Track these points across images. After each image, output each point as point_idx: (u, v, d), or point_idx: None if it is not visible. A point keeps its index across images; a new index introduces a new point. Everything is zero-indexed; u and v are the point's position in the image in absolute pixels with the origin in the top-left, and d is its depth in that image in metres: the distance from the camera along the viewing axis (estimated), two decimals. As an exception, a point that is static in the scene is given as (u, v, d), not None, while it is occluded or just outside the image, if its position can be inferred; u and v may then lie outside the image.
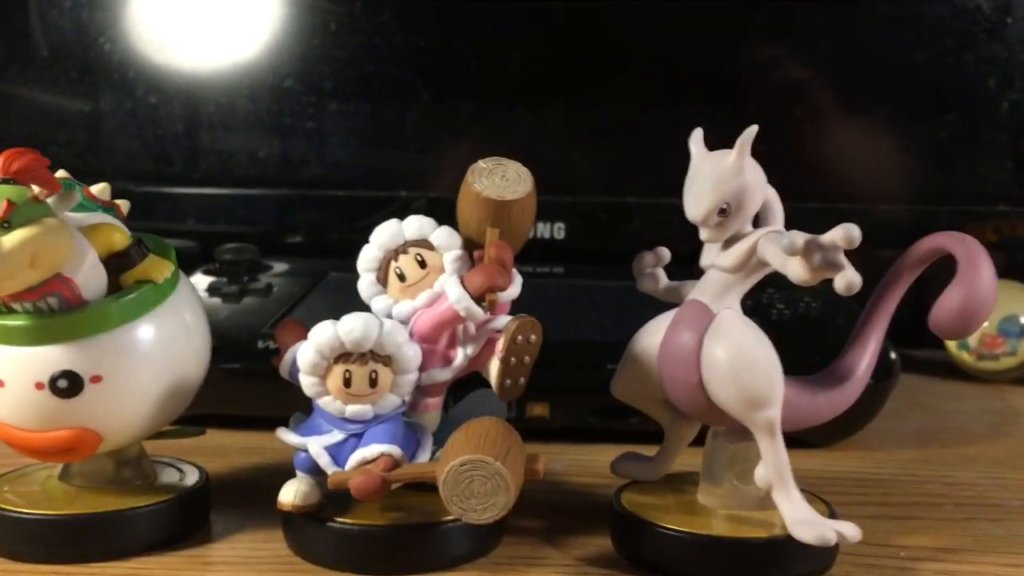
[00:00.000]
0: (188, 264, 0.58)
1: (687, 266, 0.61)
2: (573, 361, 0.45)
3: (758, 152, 0.33)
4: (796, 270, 0.28)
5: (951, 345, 0.63)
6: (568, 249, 0.65)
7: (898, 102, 0.65)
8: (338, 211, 0.68)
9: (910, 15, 0.64)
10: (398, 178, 0.68)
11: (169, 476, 0.35)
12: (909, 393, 0.58)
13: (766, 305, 0.50)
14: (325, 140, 0.67)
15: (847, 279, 0.27)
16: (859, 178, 0.66)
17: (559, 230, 0.66)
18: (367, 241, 0.35)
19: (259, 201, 0.68)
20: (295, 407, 0.34)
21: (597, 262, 0.64)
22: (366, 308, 0.48)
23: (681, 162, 0.35)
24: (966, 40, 0.64)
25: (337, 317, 0.44)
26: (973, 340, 0.63)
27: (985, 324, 0.62)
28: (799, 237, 0.28)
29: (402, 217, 0.34)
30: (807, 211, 0.66)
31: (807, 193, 0.66)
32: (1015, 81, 0.63)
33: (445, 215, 0.67)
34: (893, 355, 0.46)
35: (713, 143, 0.33)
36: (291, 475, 0.33)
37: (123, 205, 0.34)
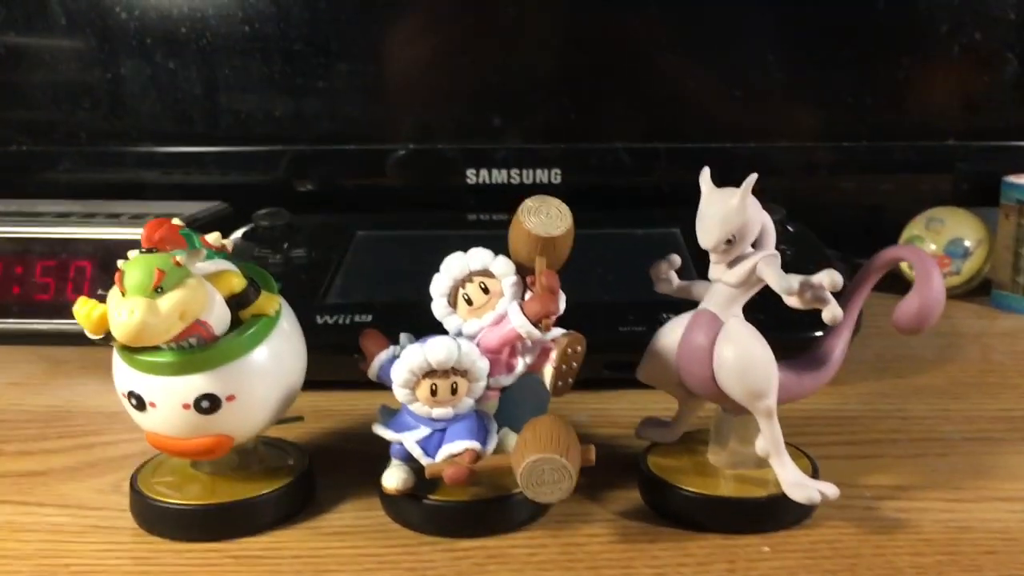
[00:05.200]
0: (226, 228, 0.65)
1: (674, 204, 0.69)
2: (589, 322, 0.53)
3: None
4: (792, 302, 0.36)
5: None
6: (565, 194, 0.72)
7: (859, 47, 0.72)
8: (351, 164, 0.74)
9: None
10: (405, 132, 0.74)
11: (277, 456, 0.43)
12: (867, 313, 0.66)
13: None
14: (335, 98, 0.73)
15: (832, 312, 0.35)
16: (824, 117, 0.73)
17: (556, 175, 0.73)
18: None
19: (276, 156, 0.74)
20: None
21: (592, 206, 0.71)
22: (398, 272, 0.56)
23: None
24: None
25: (377, 282, 0.54)
26: (923, 262, 0.71)
27: (933, 247, 0.71)
28: (795, 281, 0.35)
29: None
30: (780, 149, 0.73)
31: (778, 133, 0.73)
32: (965, 27, 0.70)
33: (451, 165, 0.73)
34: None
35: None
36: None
37: (228, 244, 0.41)
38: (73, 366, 0.59)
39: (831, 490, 0.38)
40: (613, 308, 0.54)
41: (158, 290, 0.35)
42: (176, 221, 0.39)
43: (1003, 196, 0.68)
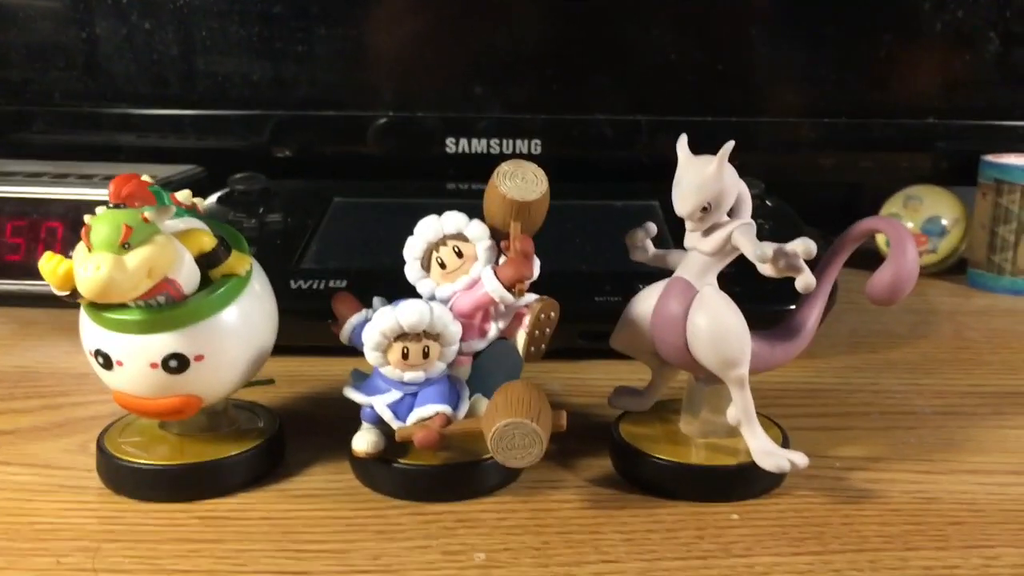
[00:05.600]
0: (201, 192, 0.64)
1: (654, 177, 0.69)
2: (564, 291, 0.52)
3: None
4: (765, 270, 0.36)
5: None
6: (544, 166, 0.72)
7: (840, 23, 0.72)
8: (329, 130, 0.73)
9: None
10: (384, 99, 0.73)
11: (247, 419, 0.43)
12: (842, 289, 0.67)
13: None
14: (314, 63, 0.72)
15: (805, 280, 0.35)
16: (805, 93, 0.73)
17: (536, 146, 0.72)
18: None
19: (254, 121, 0.73)
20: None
21: (573, 178, 0.71)
22: (374, 239, 0.55)
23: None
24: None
25: (353, 248, 0.55)
26: (900, 240, 0.72)
27: (911, 225, 0.71)
28: (768, 248, 0.35)
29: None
30: (760, 124, 0.73)
31: (759, 108, 0.73)
32: (947, 5, 0.70)
33: (431, 133, 0.73)
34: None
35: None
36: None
37: (199, 203, 0.40)
38: (43, 327, 0.58)
39: (800, 459, 0.38)
40: (589, 278, 0.54)
41: (125, 246, 0.34)
42: (145, 177, 0.38)
43: (981, 175, 0.68)
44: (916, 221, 0.71)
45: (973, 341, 0.58)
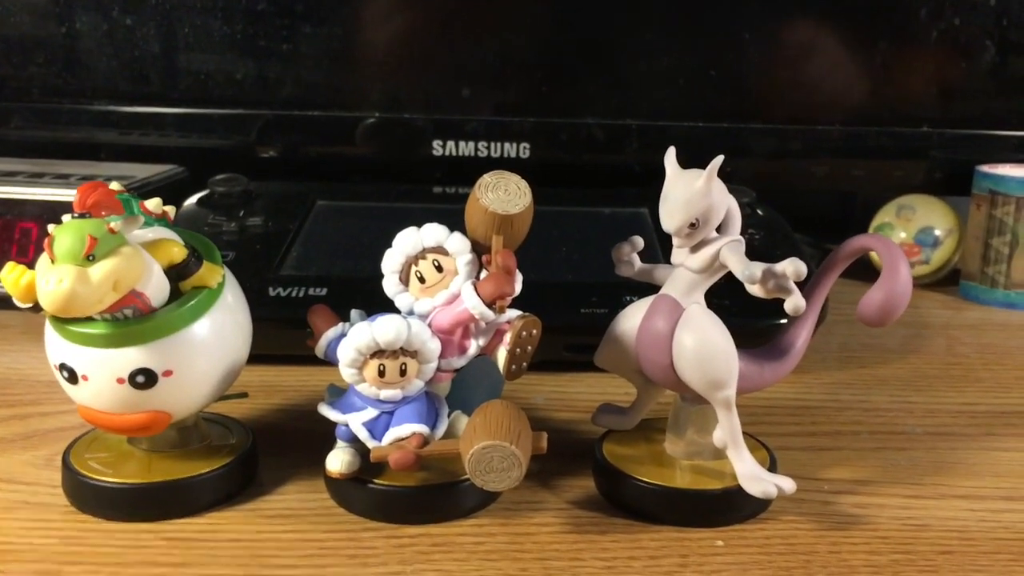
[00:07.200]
0: (182, 193, 0.62)
1: (644, 183, 0.68)
2: (549, 302, 0.51)
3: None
4: (754, 291, 0.35)
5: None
6: (534, 169, 0.70)
7: (835, 29, 0.70)
8: (314, 131, 0.72)
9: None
10: (371, 100, 0.72)
11: (219, 434, 0.41)
12: (833, 300, 0.66)
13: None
14: (300, 62, 0.70)
15: (794, 302, 0.34)
16: (798, 100, 0.72)
17: (525, 149, 0.71)
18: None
19: (237, 120, 0.72)
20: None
21: (561, 181, 0.69)
22: (357, 244, 0.54)
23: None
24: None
25: (335, 254, 0.54)
26: (893, 250, 0.70)
27: (904, 235, 0.70)
28: (757, 269, 0.34)
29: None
30: (752, 131, 0.72)
31: (751, 114, 0.72)
32: (943, 12, 0.69)
33: (418, 135, 0.71)
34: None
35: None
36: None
37: (170, 211, 0.39)
38: (15, 331, 0.57)
39: (788, 484, 0.37)
40: (575, 288, 0.53)
41: (90, 258, 0.33)
42: (114, 185, 0.37)
43: (975, 186, 0.67)
44: (909, 231, 0.70)
45: (965, 356, 0.57)
